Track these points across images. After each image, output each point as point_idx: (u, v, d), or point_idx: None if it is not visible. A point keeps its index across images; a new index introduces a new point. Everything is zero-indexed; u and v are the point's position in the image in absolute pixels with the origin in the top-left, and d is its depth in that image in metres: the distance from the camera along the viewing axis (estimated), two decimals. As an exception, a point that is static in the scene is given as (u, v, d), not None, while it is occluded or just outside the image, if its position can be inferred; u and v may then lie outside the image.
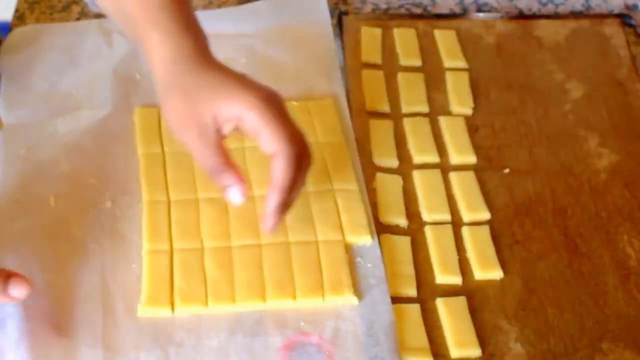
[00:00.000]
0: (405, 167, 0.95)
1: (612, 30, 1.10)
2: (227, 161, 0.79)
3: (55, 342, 0.76)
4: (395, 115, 1.00)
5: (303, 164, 0.78)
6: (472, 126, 0.99)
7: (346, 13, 1.10)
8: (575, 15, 1.13)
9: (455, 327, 0.82)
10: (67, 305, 0.79)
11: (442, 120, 0.99)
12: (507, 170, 0.95)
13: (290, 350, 0.78)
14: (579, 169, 0.95)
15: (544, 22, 1.11)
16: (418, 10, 1.13)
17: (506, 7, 1.14)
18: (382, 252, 0.86)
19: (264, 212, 0.79)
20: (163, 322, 0.80)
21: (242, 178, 0.79)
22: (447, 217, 0.90)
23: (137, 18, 0.81)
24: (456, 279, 0.86)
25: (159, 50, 0.79)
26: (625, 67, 1.06)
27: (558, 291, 0.85)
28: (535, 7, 1.14)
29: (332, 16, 1.08)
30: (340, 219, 0.87)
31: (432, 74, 1.04)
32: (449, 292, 0.85)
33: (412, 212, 0.91)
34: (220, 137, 0.78)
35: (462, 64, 1.05)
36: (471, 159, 0.96)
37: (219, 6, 1.11)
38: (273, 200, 0.78)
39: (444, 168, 0.95)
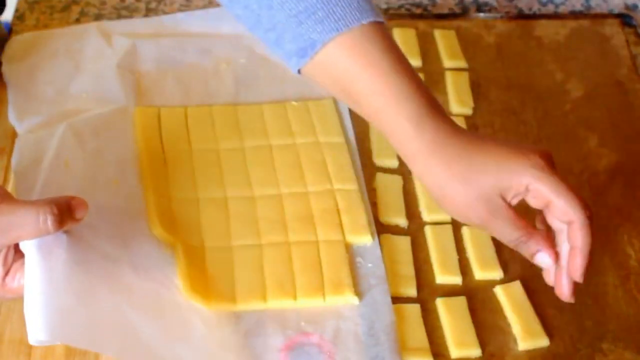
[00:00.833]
0: (405, 167, 0.94)
1: (612, 30, 1.10)
2: (527, 228, 0.76)
3: None
4: (395, 115, 0.99)
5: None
6: (472, 126, 0.99)
7: (346, 13, 1.10)
8: (575, 15, 1.13)
9: (455, 327, 0.82)
10: None
11: (442, 120, 0.99)
12: (507, 170, 0.95)
13: (290, 350, 0.78)
14: (579, 169, 0.95)
15: (544, 22, 1.11)
16: (418, 10, 1.13)
17: (506, 7, 1.14)
18: (382, 252, 0.86)
19: (573, 273, 0.76)
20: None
21: (547, 241, 0.76)
22: (447, 217, 0.90)
23: (378, 109, 0.78)
24: (456, 279, 0.86)
25: (414, 143, 0.76)
26: (625, 67, 1.06)
27: (558, 291, 0.85)
28: (535, 7, 1.14)
29: (332, 16, 1.08)
30: (340, 218, 0.87)
31: (432, 74, 1.04)
32: (449, 292, 0.85)
33: (412, 212, 0.91)
34: (511, 210, 0.75)
35: (462, 64, 1.05)
36: (471, 159, 0.95)
37: (219, 5, 1.11)
38: (581, 267, 0.75)
39: (444, 168, 0.94)
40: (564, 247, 0.76)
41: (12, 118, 0.95)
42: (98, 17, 1.08)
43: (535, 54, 1.07)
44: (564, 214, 0.74)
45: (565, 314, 0.84)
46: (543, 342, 0.81)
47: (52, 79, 0.98)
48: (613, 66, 1.06)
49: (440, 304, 0.83)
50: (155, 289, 0.79)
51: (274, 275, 0.83)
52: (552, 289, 0.85)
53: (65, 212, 0.72)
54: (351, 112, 0.98)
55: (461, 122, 0.98)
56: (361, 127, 0.96)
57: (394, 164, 0.95)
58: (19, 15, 1.10)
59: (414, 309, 0.83)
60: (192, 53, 1.02)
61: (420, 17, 1.11)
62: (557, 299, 0.84)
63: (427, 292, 0.85)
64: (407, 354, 0.79)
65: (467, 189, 0.74)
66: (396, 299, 0.83)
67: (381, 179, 0.93)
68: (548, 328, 0.82)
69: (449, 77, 1.03)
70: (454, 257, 0.87)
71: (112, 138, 0.91)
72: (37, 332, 0.70)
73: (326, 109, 0.97)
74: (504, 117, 1.00)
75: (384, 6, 1.13)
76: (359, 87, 0.77)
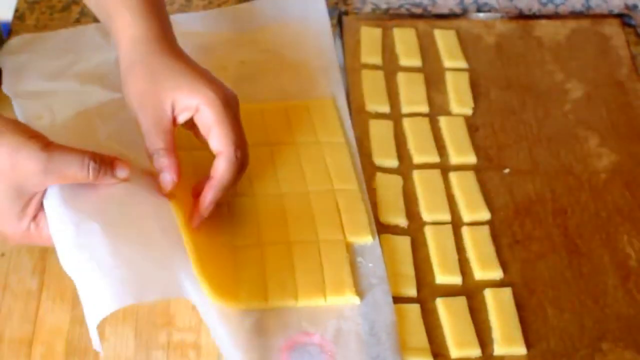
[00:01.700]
0: (405, 167, 0.95)
1: (612, 30, 1.10)
2: (171, 148, 0.81)
3: None
4: (395, 115, 1.00)
5: (241, 170, 0.82)
6: (472, 126, 0.99)
7: (346, 13, 1.10)
8: (575, 15, 1.13)
9: (455, 327, 0.82)
10: None
11: (442, 120, 0.99)
12: (507, 170, 0.95)
13: (292, 350, 0.78)
14: (579, 169, 0.95)
15: (544, 22, 1.11)
16: (418, 10, 1.13)
17: (506, 7, 1.14)
18: (382, 252, 0.86)
19: (197, 205, 0.81)
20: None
21: (178, 169, 0.81)
22: (447, 217, 0.90)
23: (108, 1, 0.86)
24: (456, 279, 0.86)
25: (129, 29, 0.84)
26: (625, 67, 1.06)
27: (558, 291, 0.85)
28: (535, 7, 1.14)
29: (332, 16, 1.08)
30: (341, 218, 0.87)
31: (432, 74, 1.04)
32: (449, 292, 0.85)
33: (412, 212, 0.91)
34: (172, 124, 0.81)
35: (462, 64, 1.05)
36: (471, 159, 0.96)
37: (219, 6, 1.11)
38: (210, 196, 0.81)
39: (444, 168, 0.95)
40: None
41: (6, 89, 0.96)
42: (97, 19, 1.08)
43: (535, 54, 1.07)
44: (217, 143, 0.80)
45: (565, 314, 0.84)
46: (520, 350, 0.81)
47: (48, 65, 0.99)
48: (613, 66, 1.06)
49: (440, 304, 0.83)
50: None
51: (275, 275, 0.83)
52: (552, 288, 0.85)
53: (106, 165, 0.77)
54: (351, 112, 0.98)
55: (461, 122, 0.99)
56: (361, 127, 0.96)
57: (394, 164, 0.95)
58: (19, 15, 1.10)
59: (414, 309, 0.83)
60: (192, 52, 1.02)
61: (420, 17, 1.11)
62: (557, 299, 0.84)
63: (427, 292, 0.85)
64: (407, 354, 0.79)
65: (150, 81, 0.81)
66: (396, 299, 0.83)
67: (381, 179, 0.93)
68: (547, 328, 0.82)
69: (449, 77, 1.04)
70: (454, 257, 0.87)
71: (122, 120, 0.91)
72: (105, 304, 0.71)
73: (326, 109, 0.97)
74: (504, 117, 1.00)
75: (384, 6, 1.13)
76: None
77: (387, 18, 1.11)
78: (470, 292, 0.85)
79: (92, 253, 0.74)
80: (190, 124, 0.83)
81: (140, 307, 0.82)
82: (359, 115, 0.98)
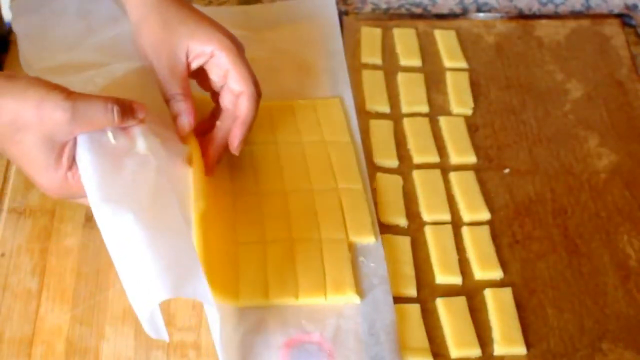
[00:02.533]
0: (405, 167, 0.95)
1: (612, 30, 1.10)
2: (187, 93, 0.85)
3: None
4: (395, 115, 1.00)
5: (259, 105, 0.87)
6: (472, 126, 0.99)
7: (346, 13, 1.10)
8: (575, 15, 1.13)
9: (455, 327, 0.82)
10: None
11: (442, 120, 0.99)
12: (507, 170, 0.95)
13: (291, 348, 0.78)
14: (579, 169, 0.96)
15: (544, 22, 1.11)
16: (418, 10, 1.13)
17: (506, 7, 1.14)
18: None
19: (230, 141, 0.86)
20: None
21: (194, 112, 0.85)
22: (447, 217, 0.90)
23: None
24: (456, 279, 0.86)
25: None
26: (625, 67, 1.06)
27: (558, 291, 0.85)
28: (535, 7, 1.14)
29: (332, 16, 1.08)
30: (344, 218, 0.87)
31: (432, 74, 1.04)
32: (449, 292, 0.85)
33: (412, 212, 0.91)
34: (186, 71, 0.86)
35: (462, 64, 1.05)
36: (471, 159, 0.96)
37: (219, 5, 1.11)
38: (240, 133, 0.86)
39: (444, 168, 0.95)
40: (222, 125, 0.87)
41: (23, 63, 0.94)
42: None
43: (535, 54, 1.07)
44: (237, 84, 0.85)
45: (565, 314, 0.84)
46: (520, 350, 0.81)
47: (63, 34, 0.97)
48: (613, 66, 1.06)
49: (440, 304, 0.83)
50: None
51: (276, 273, 0.83)
52: (552, 288, 0.85)
53: (128, 108, 0.79)
54: (358, 111, 0.98)
55: (461, 122, 0.99)
56: (361, 127, 0.96)
57: (394, 164, 0.95)
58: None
59: (414, 309, 0.83)
60: None
61: (420, 17, 1.11)
62: (557, 299, 0.84)
63: (427, 292, 0.85)
64: (407, 354, 0.79)
65: (165, 28, 0.85)
66: (396, 299, 0.83)
67: (381, 179, 0.93)
68: (547, 328, 0.82)
69: (449, 77, 1.04)
70: (454, 257, 0.87)
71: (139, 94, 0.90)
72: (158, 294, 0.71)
73: (333, 109, 0.97)
74: (504, 117, 1.00)
75: (384, 6, 1.13)
76: None
77: (387, 18, 1.11)
78: (470, 292, 0.85)
79: (133, 245, 0.73)
80: (196, 73, 0.87)
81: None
82: (359, 115, 0.98)
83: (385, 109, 1.00)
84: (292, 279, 0.82)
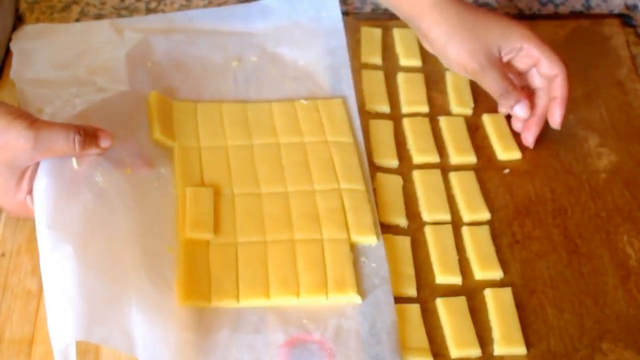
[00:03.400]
0: (405, 167, 0.95)
1: (612, 30, 1.10)
2: (513, 83, 0.94)
3: None
4: (395, 115, 1.00)
5: None
6: (472, 126, 0.99)
7: (346, 13, 1.10)
8: (575, 15, 1.13)
9: (455, 327, 0.82)
10: None
11: (442, 120, 0.99)
12: (507, 170, 0.95)
13: (291, 347, 0.78)
14: (578, 169, 0.95)
15: (544, 22, 1.11)
16: (418, 10, 1.13)
17: (506, 7, 1.14)
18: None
19: (553, 118, 0.96)
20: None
21: (525, 95, 0.96)
22: (447, 217, 0.90)
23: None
24: (456, 279, 0.86)
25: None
26: (625, 67, 1.06)
27: (558, 291, 0.85)
28: (535, 7, 1.14)
29: (332, 16, 1.08)
30: (346, 218, 0.87)
31: (432, 74, 1.04)
32: (449, 292, 0.85)
33: (412, 212, 0.91)
34: (503, 63, 0.94)
35: (462, 64, 1.05)
36: (471, 159, 0.96)
37: (219, 5, 1.11)
38: (561, 112, 0.95)
39: (444, 168, 0.95)
40: (541, 102, 0.96)
41: (14, 73, 0.97)
42: (98, 17, 1.09)
43: (535, 54, 1.07)
44: (551, 69, 0.94)
45: (565, 314, 0.84)
46: (520, 350, 0.81)
47: (59, 53, 0.99)
48: (613, 66, 1.06)
49: (440, 304, 0.83)
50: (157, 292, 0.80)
51: (277, 272, 0.83)
52: (552, 288, 0.85)
53: (91, 137, 0.82)
54: (360, 112, 0.98)
55: (461, 122, 0.99)
56: (361, 127, 0.96)
57: (394, 164, 0.95)
58: (19, 15, 1.10)
59: (414, 309, 0.83)
60: (203, 49, 1.03)
61: (420, 17, 1.11)
62: (557, 299, 0.84)
63: (427, 292, 0.85)
64: (407, 354, 0.79)
65: (474, 38, 0.93)
66: (396, 299, 0.83)
67: (381, 179, 0.93)
68: (547, 328, 0.82)
69: (449, 77, 1.03)
70: (454, 257, 0.87)
71: (126, 115, 0.92)
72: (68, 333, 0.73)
73: (335, 109, 0.97)
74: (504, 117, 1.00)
75: (384, 6, 1.13)
76: None
77: (387, 18, 1.10)
78: (470, 292, 0.85)
79: (63, 279, 0.75)
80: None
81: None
82: (359, 115, 0.98)
83: (385, 109, 1.00)
84: (293, 278, 0.82)
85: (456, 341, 0.81)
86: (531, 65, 0.95)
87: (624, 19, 1.11)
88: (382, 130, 0.97)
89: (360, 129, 0.96)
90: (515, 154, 0.96)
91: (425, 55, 1.06)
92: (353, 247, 0.86)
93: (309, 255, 0.84)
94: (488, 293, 0.84)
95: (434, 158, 0.95)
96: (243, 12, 1.07)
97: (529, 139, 0.96)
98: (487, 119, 0.99)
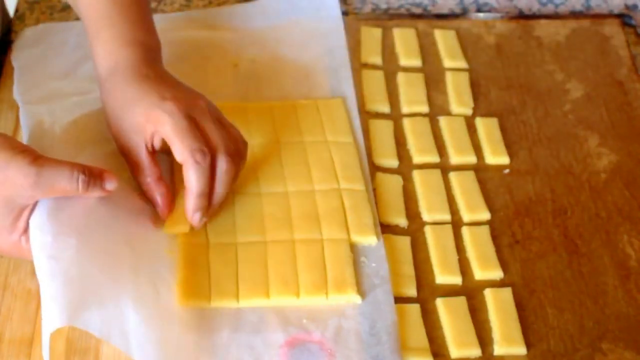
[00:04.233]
0: (405, 167, 0.95)
1: (612, 30, 1.10)
2: (159, 177, 0.84)
3: None
4: (395, 115, 1.00)
5: (214, 172, 0.82)
6: (472, 126, 0.99)
7: (346, 13, 1.10)
8: (575, 15, 1.13)
9: (455, 327, 0.82)
10: None
11: (442, 120, 0.99)
12: (507, 171, 0.95)
13: (291, 347, 0.78)
14: (578, 169, 0.96)
15: (544, 22, 1.11)
16: (418, 10, 1.13)
17: (506, 7, 1.14)
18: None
19: (186, 214, 0.83)
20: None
21: (168, 198, 0.85)
22: (447, 217, 0.90)
23: (90, 17, 0.88)
24: (456, 279, 0.86)
25: (106, 59, 0.86)
26: (625, 67, 1.06)
27: (558, 291, 0.85)
28: (535, 7, 1.14)
29: (331, 16, 1.08)
30: (346, 218, 0.87)
31: (432, 74, 1.04)
32: (449, 292, 0.85)
33: (412, 212, 0.91)
34: (150, 154, 0.83)
35: (462, 64, 1.05)
36: (471, 159, 0.96)
37: (219, 5, 1.11)
38: (190, 205, 0.82)
39: (444, 168, 0.95)
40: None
41: (16, 93, 0.95)
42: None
43: (535, 54, 1.07)
44: (177, 155, 0.81)
45: (565, 314, 0.84)
46: (520, 350, 0.81)
47: (59, 63, 0.99)
48: (613, 66, 1.06)
49: (440, 304, 0.83)
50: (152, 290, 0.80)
51: (277, 272, 0.83)
52: (552, 288, 0.85)
53: (96, 177, 0.78)
54: (360, 112, 0.98)
55: (461, 122, 0.99)
56: (361, 126, 0.96)
57: (394, 164, 0.95)
58: (19, 16, 1.10)
59: (414, 309, 0.83)
60: (203, 49, 1.03)
61: (420, 17, 1.11)
62: (557, 299, 0.84)
63: (427, 292, 0.85)
64: (407, 354, 0.79)
65: (120, 120, 0.83)
66: (396, 299, 0.83)
67: (381, 179, 0.93)
68: (547, 328, 0.82)
69: (449, 77, 1.04)
70: (454, 257, 0.87)
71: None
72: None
73: (335, 109, 0.97)
74: (504, 117, 1.00)
75: (384, 6, 1.13)
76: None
77: (387, 18, 1.11)
78: (470, 292, 0.85)
79: (62, 266, 0.75)
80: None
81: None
82: (359, 115, 0.98)
83: (385, 109, 1.00)
84: (293, 277, 0.82)
85: (456, 341, 0.81)
86: (168, 147, 0.83)
87: (624, 19, 1.11)
88: (382, 130, 0.97)
89: (360, 128, 0.96)
90: (504, 159, 0.96)
91: (425, 55, 1.06)
92: (353, 247, 0.86)
93: (309, 255, 0.84)
94: (488, 293, 0.84)
95: (434, 158, 0.95)
96: (243, 12, 1.07)
97: (189, 224, 0.84)
98: (479, 123, 0.99)
